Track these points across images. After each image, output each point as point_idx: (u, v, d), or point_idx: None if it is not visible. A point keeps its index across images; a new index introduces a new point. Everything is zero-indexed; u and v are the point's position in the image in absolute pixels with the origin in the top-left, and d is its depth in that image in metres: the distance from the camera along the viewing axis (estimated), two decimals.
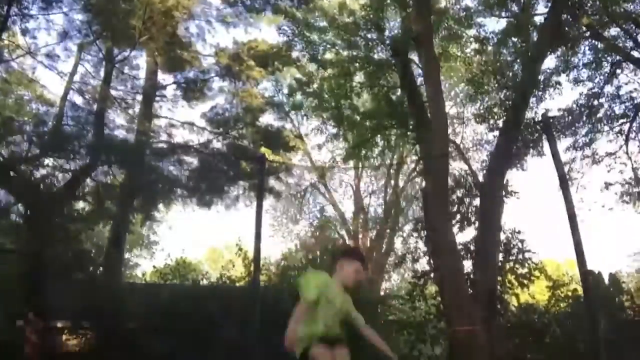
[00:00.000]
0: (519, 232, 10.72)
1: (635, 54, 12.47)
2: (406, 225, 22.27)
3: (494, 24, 25.20)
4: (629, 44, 12.45)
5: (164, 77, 17.17)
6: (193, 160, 15.30)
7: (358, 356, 3.69)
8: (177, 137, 16.38)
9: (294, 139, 16.90)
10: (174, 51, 15.42)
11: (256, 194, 12.46)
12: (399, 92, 12.87)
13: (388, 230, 22.17)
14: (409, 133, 12.66)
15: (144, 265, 27.85)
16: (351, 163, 18.56)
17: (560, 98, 13.66)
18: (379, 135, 13.34)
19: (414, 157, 19.52)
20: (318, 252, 13.30)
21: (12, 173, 12.54)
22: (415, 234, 12.09)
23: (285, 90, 16.33)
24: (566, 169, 11.70)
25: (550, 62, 13.39)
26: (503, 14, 12.34)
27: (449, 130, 12.61)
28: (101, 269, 13.10)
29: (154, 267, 14.14)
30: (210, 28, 16.22)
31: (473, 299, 9.07)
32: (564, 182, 10.14)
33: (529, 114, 11.56)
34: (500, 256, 10.27)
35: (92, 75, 15.52)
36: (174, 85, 16.81)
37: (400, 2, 11.73)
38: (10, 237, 12.37)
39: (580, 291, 9.86)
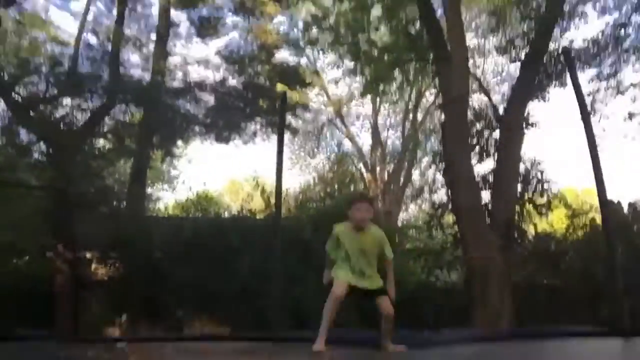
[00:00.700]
0: (538, 163, 10.70)
1: None
2: (424, 158, 22.33)
3: None
4: None
5: (177, 14, 16.94)
6: (209, 98, 15.28)
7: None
8: (192, 74, 16.32)
9: (310, 75, 16.73)
10: None
11: (276, 131, 12.46)
12: (417, 25, 12.57)
13: (406, 164, 22.26)
14: (428, 67, 12.47)
15: (166, 199, 28.42)
16: (369, 97, 18.43)
17: (586, 28, 13.22)
18: (397, 70, 13.16)
19: (433, 91, 19.35)
20: (336, 185, 13.44)
21: (31, 113, 12.68)
22: (433, 167, 12.12)
23: (301, 26, 16.04)
24: (590, 99, 11.51)
25: None
26: None
27: (470, 63, 12.37)
28: (124, 203, 13.41)
29: (176, 200, 14.49)
30: None
31: (490, 229, 9.19)
32: (585, 113, 9.97)
33: (552, 45, 11.30)
34: (519, 187, 10.30)
35: (105, 14, 15.38)
36: (188, 23, 16.60)
37: None
38: (35, 173, 12.66)
39: (599, 220, 9.91)
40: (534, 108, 11.17)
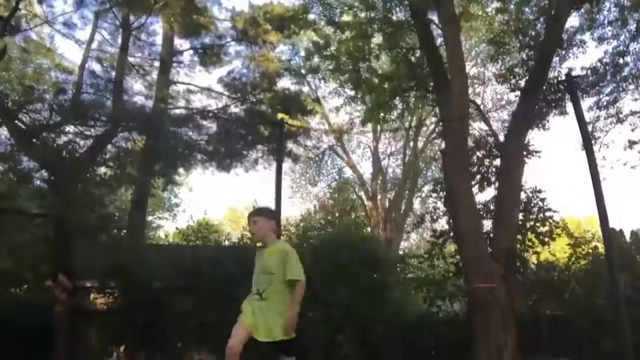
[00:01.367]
0: (539, 191, 10.68)
1: None
2: (425, 186, 22.34)
3: None
4: None
5: (180, 43, 17.22)
6: (212, 126, 15.40)
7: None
8: (195, 102, 16.49)
9: (311, 103, 16.86)
10: (190, 16, 15.36)
11: (275, 158, 12.52)
12: (418, 53, 12.70)
13: (407, 192, 22.24)
14: (428, 95, 12.55)
15: (167, 227, 28.46)
16: (369, 125, 18.52)
17: (584, 57, 13.36)
18: (397, 98, 13.24)
19: (433, 119, 19.45)
20: (337, 213, 13.40)
21: (34, 140, 12.74)
22: (434, 195, 12.10)
23: (302, 54, 16.23)
24: (589, 127, 11.55)
25: (573, 20, 13.08)
26: None
27: (469, 91, 12.47)
28: (125, 231, 13.38)
29: (177, 228, 14.46)
30: None
31: (492, 257, 9.12)
32: (587, 141, 10.04)
33: (551, 74, 11.38)
34: (521, 215, 10.26)
35: (109, 42, 15.60)
36: (191, 51, 16.87)
37: None
38: (36, 201, 12.67)
39: (601, 249, 9.85)
40: (534, 137, 11.22)
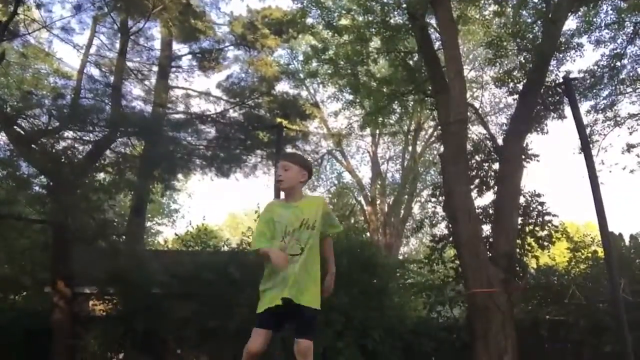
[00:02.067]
0: (538, 195, 10.69)
1: None
2: (424, 190, 22.33)
3: None
4: None
5: (179, 48, 17.22)
6: (210, 130, 15.38)
7: None
8: (193, 107, 16.49)
9: (309, 107, 16.86)
10: (188, 21, 15.35)
11: (274, 162, 12.51)
12: (416, 57, 12.72)
13: (406, 196, 22.23)
14: (426, 98, 12.56)
15: (166, 233, 28.46)
16: (368, 130, 18.53)
17: (581, 60, 13.38)
18: (396, 102, 13.26)
19: (432, 123, 19.46)
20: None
21: (33, 146, 12.72)
22: (433, 199, 12.11)
23: (301, 58, 16.24)
24: (587, 131, 11.56)
25: (571, 23, 13.10)
26: None
27: (468, 95, 12.48)
28: (124, 237, 13.36)
29: (176, 234, 14.45)
30: None
31: (492, 262, 9.11)
32: (586, 145, 10.03)
33: (549, 77, 11.40)
34: (520, 219, 10.26)
35: (107, 47, 15.59)
36: (189, 56, 16.86)
37: None
38: (34, 207, 12.64)
39: (601, 253, 9.85)
40: (533, 141, 11.24)
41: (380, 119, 13.95)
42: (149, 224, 24.97)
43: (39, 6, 13.19)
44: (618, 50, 12.69)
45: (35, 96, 14.25)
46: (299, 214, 3.18)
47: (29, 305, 12.55)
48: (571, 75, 11.67)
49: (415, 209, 23.62)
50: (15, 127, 12.33)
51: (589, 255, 10.93)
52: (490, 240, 9.97)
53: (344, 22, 13.13)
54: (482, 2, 12.64)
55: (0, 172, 12.16)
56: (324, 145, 22.58)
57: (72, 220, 11.13)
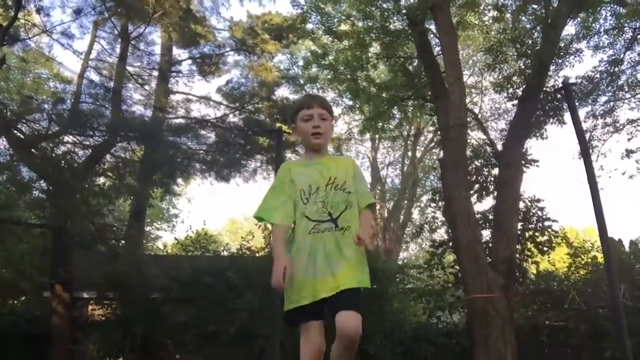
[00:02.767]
0: (538, 201, 10.70)
1: None
2: (424, 195, 22.33)
3: None
4: None
5: (179, 53, 17.27)
6: (210, 135, 15.41)
7: None
8: (193, 111, 16.52)
9: None
10: (188, 26, 15.40)
11: (274, 167, 12.53)
12: (415, 62, 12.77)
13: (405, 201, 22.22)
14: (426, 104, 12.60)
15: (165, 238, 28.46)
16: (368, 135, 18.55)
17: (580, 66, 13.43)
18: (395, 107, 13.29)
19: (432, 128, 19.49)
20: None
21: (33, 150, 12.73)
22: (432, 205, 12.12)
23: (301, 63, 16.27)
24: (587, 136, 11.58)
25: (570, 28, 13.14)
26: None
27: (467, 100, 12.51)
28: (123, 242, 13.35)
29: (176, 239, 14.46)
30: (224, 1, 16.20)
31: (491, 268, 9.11)
32: (585, 150, 10.03)
33: (548, 82, 11.43)
34: (520, 225, 10.27)
35: (108, 52, 15.62)
36: (189, 61, 16.90)
37: None
38: (34, 212, 12.64)
39: (600, 258, 9.84)
40: (532, 146, 11.27)
41: (380, 124, 13.99)
42: (148, 228, 24.93)
43: (39, 11, 13.22)
44: (616, 56, 12.73)
45: (35, 101, 14.28)
46: (323, 171, 2.54)
47: (28, 310, 12.52)
48: (570, 81, 11.71)
49: (415, 214, 23.65)
50: (15, 131, 12.35)
51: (589, 260, 10.94)
52: (490, 245, 9.97)
53: (343, 27, 13.19)
54: (482, 7, 12.71)
55: (0, 176, 12.18)
56: None
57: (71, 225, 11.14)
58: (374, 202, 2.63)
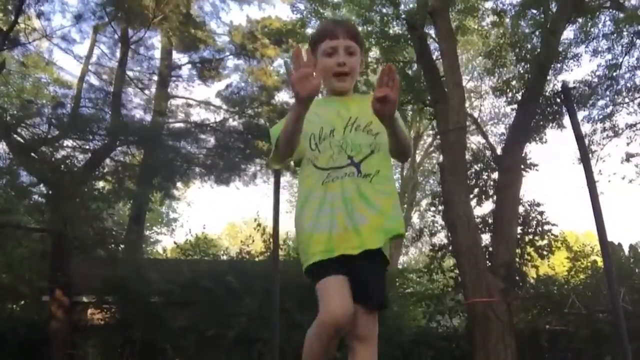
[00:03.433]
0: (538, 205, 10.70)
1: None
2: (423, 199, 22.36)
3: None
4: None
5: (179, 57, 17.33)
6: (210, 139, 15.44)
7: None
8: (193, 116, 16.57)
9: None
10: (188, 30, 15.46)
11: (273, 171, 12.53)
12: (415, 67, 12.79)
13: (405, 205, 22.23)
14: (425, 108, 12.61)
15: (165, 242, 28.45)
16: None
17: (578, 70, 13.47)
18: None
19: (431, 132, 19.53)
20: None
21: (33, 154, 12.75)
22: (432, 209, 12.11)
23: None
24: (586, 141, 11.59)
25: (568, 33, 13.17)
26: None
27: (467, 104, 12.53)
28: (122, 246, 13.36)
29: (175, 243, 14.48)
30: (224, 6, 16.26)
31: (491, 272, 9.10)
32: (584, 155, 10.03)
33: (547, 87, 11.46)
34: (519, 229, 10.27)
35: (108, 56, 15.69)
36: (189, 65, 16.97)
37: None
38: (34, 216, 12.64)
39: (600, 262, 9.84)
40: (532, 150, 11.28)
41: None
42: (147, 232, 24.93)
43: (39, 15, 13.27)
44: (615, 61, 12.77)
45: (35, 105, 14.32)
46: (342, 111, 2.11)
47: (27, 315, 12.50)
48: (569, 85, 11.73)
49: (415, 218, 23.67)
50: (15, 135, 12.36)
51: (589, 264, 10.93)
52: (490, 249, 9.96)
53: None
54: (481, 12, 12.74)
55: (0, 180, 12.19)
56: None
57: (71, 229, 11.14)
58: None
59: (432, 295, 10.97)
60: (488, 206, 11.13)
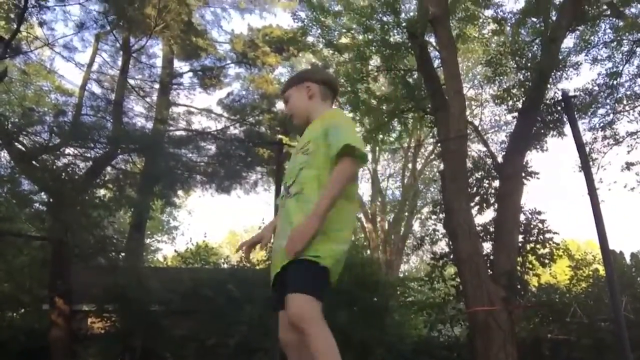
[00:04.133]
0: (539, 213, 10.68)
1: None
2: (424, 208, 22.34)
3: (512, 4, 24.93)
4: None
5: (180, 65, 17.40)
6: (211, 147, 15.48)
7: None
8: (194, 124, 16.62)
9: None
10: (189, 39, 15.53)
11: (275, 179, 12.54)
12: (415, 75, 12.81)
13: (406, 213, 22.21)
14: (426, 116, 12.63)
15: (165, 250, 28.44)
16: (368, 147, 18.58)
17: (578, 79, 13.47)
18: (396, 119, 13.32)
19: (432, 140, 19.52)
20: None
21: (34, 162, 12.77)
22: (433, 217, 12.09)
23: None
24: (586, 149, 11.58)
25: (568, 41, 13.22)
26: None
27: (467, 112, 12.54)
28: (123, 254, 13.35)
29: (176, 251, 14.45)
30: (225, 14, 16.35)
31: (492, 280, 9.07)
32: (585, 163, 10.03)
33: (547, 95, 11.46)
34: (521, 237, 10.24)
35: (109, 65, 15.75)
36: (191, 73, 17.05)
37: None
38: (34, 224, 12.64)
39: (602, 271, 9.81)
40: (533, 158, 11.27)
41: (380, 136, 14.00)
42: (148, 240, 24.93)
43: (41, 24, 13.32)
44: (615, 69, 12.78)
45: (36, 113, 14.35)
46: (302, 139, 2.38)
47: (27, 323, 12.46)
48: (569, 94, 11.74)
49: (416, 226, 23.63)
50: (16, 143, 12.38)
51: (590, 273, 10.90)
52: (491, 258, 9.93)
53: (344, 40, 13.26)
54: (481, 20, 12.78)
55: (1, 188, 12.20)
56: None
57: (71, 237, 11.13)
58: (349, 145, 2.11)
59: (433, 304, 10.93)
60: (489, 214, 11.11)
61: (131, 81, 15.93)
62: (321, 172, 2.18)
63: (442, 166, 11.66)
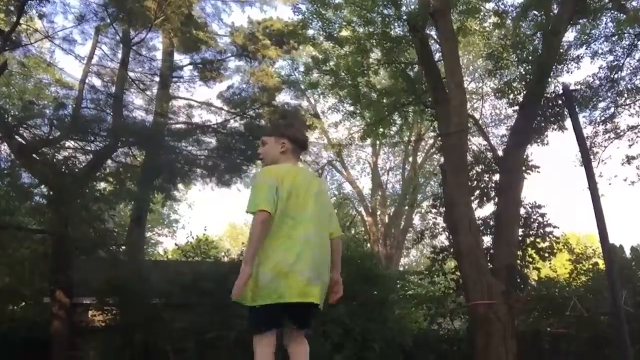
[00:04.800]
0: (539, 207, 10.68)
1: None
2: (424, 201, 22.35)
3: None
4: None
5: (180, 58, 17.34)
6: (211, 140, 15.43)
7: None
8: (194, 117, 16.57)
9: (310, 118, 16.91)
10: (189, 32, 15.46)
11: None
12: (416, 68, 12.77)
13: (406, 207, 22.21)
14: (427, 109, 12.60)
15: (165, 243, 28.48)
16: (368, 141, 18.57)
17: (579, 72, 13.42)
18: (396, 112, 13.29)
19: (432, 134, 19.51)
20: None
21: (34, 156, 12.75)
22: (433, 210, 12.09)
23: (301, 69, 16.29)
24: (587, 143, 11.57)
25: (569, 34, 13.14)
26: None
27: (468, 106, 12.51)
28: (123, 247, 13.35)
29: (176, 244, 14.46)
30: (225, 7, 16.27)
31: (492, 274, 9.09)
32: (586, 157, 10.03)
33: (548, 88, 11.44)
34: (521, 231, 10.24)
35: (109, 57, 15.68)
36: (191, 66, 16.97)
37: None
38: (35, 217, 12.64)
39: (602, 264, 9.82)
40: (533, 152, 11.25)
41: (381, 129, 13.99)
42: (149, 234, 24.96)
43: (41, 17, 13.26)
44: (616, 62, 12.73)
45: (36, 106, 14.32)
46: None
47: (28, 316, 12.50)
48: (570, 87, 11.71)
49: (416, 220, 23.66)
50: (16, 137, 12.36)
51: (590, 267, 10.91)
52: (491, 251, 9.95)
53: (344, 33, 13.19)
54: (482, 14, 12.71)
55: (1, 181, 12.19)
56: (324, 155, 22.67)
57: (72, 230, 11.14)
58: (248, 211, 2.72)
59: (433, 297, 10.95)
60: (489, 208, 11.12)
61: (131, 74, 15.87)
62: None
63: (442, 160, 11.66)
